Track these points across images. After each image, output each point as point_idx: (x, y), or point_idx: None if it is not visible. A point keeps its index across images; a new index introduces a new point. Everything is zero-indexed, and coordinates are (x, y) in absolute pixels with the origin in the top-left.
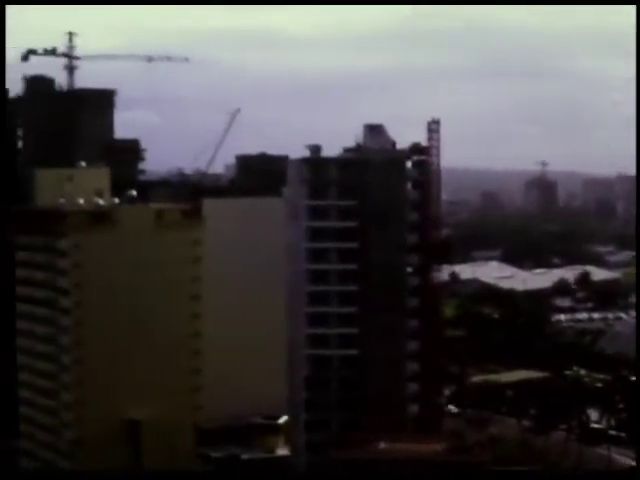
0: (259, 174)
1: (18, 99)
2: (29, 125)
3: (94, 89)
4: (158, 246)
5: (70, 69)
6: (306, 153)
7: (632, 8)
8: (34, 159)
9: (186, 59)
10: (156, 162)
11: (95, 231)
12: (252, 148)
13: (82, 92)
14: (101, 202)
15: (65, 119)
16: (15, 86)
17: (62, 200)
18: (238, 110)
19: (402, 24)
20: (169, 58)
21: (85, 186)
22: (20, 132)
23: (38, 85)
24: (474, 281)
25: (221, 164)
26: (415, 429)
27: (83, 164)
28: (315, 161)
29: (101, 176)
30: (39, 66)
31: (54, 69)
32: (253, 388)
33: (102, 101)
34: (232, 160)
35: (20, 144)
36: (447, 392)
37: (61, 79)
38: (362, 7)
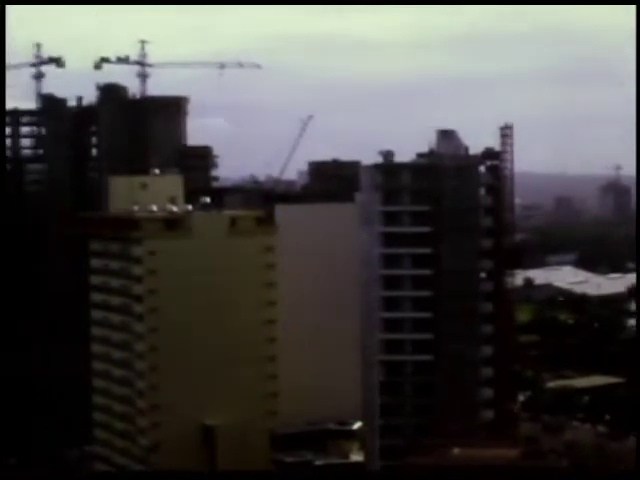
0: (332, 180)
1: (91, 107)
2: (102, 133)
3: (167, 96)
4: (232, 252)
5: (143, 77)
6: (379, 159)
7: (632, 8)
8: (108, 166)
9: (258, 66)
10: (229, 169)
11: (169, 238)
12: (325, 154)
13: (155, 99)
14: (174, 209)
15: (138, 126)
16: (88, 94)
17: (136, 207)
18: (311, 116)
19: (472, 27)
20: (241, 65)
21: (159, 193)
22: (94, 140)
23: (111, 93)
24: (548, 286)
25: (294, 170)
26: (489, 435)
27: (157, 171)
28: (388, 167)
29: (174, 183)
30: (112, 74)
31: (127, 77)
32: (327, 393)
33: (175, 108)
34: (305, 166)
35: (94, 151)
36: (521, 398)
37: (134, 87)
38: (432, 11)
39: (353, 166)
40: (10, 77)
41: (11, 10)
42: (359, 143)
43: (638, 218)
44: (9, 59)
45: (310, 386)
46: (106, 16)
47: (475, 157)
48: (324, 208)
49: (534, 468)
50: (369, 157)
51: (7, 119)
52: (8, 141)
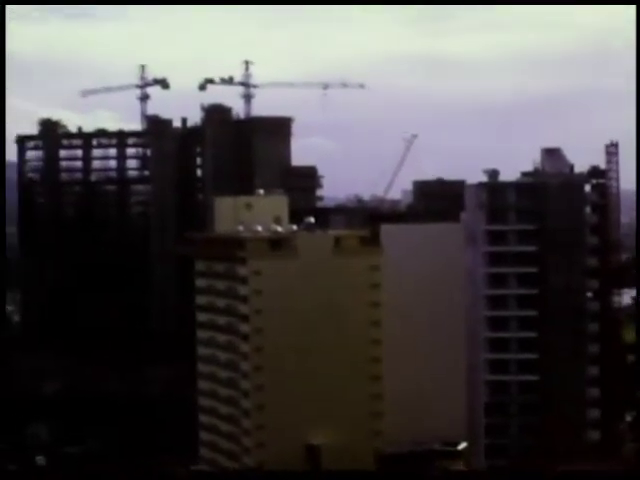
0: (437, 199)
1: (196, 128)
2: (207, 153)
3: (271, 117)
4: (336, 272)
5: (247, 97)
6: (484, 178)
7: (632, 8)
8: (213, 187)
9: (362, 85)
10: (333, 188)
11: (274, 258)
12: (429, 173)
13: (259, 120)
14: (279, 229)
15: (243, 147)
16: (193, 115)
17: (241, 227)
18: (415, 135)
19: (573, 46)
20: (345, 85)
21: (263, 213)
22: (199, 160)
23: (216, 113)
24: None
25: (398, 190)
26: (596, 455)
27: (261, 191)
28: (493, 186)
29: (279, 203)
30: (217, 94)
31: (231, 97)
32: (432, 413)
33: (279, 128)
34: (409, 185)
35: (199, 172)
36: (629, 418)
37: (238, 107)
38: (528, 30)
39: (458, 185)
40: (115, 99)
41: (114, 30)
42: (463, 162)
43: (638, 219)
44: (114, 81)
45: (415, 406)
46: (209, 36)
47: (580, 175)
48: (429, 227)
49: None
50: (473, 176)
51: (113, 141)
52: (113, 162)
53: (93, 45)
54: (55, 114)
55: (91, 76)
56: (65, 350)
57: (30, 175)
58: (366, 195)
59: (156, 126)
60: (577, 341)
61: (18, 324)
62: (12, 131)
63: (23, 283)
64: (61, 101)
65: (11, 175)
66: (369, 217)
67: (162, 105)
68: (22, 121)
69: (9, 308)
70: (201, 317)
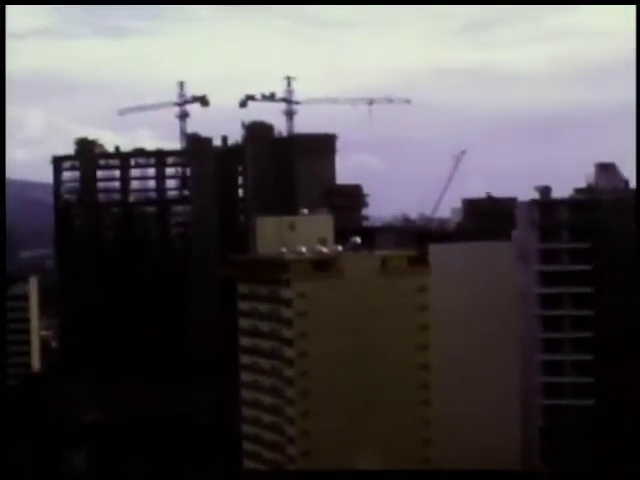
0: (486, 217)
1: (237, 146)
2: (249, 172)
3: (314, 134)
4: (384, 294)
5: (289, 114)
6: (535, 195)
7: (632, 8)
8: (255, 207)
9: (407, 101)
10: (379, 207)
11: (319, 279)
12: (479, 191)
13: (302, 137)
14: (324, 250)
15: (285, 165)
16: (234, 133)
17: (284, 248)
18: (463, 152)
19: (615, 56)
20: (390, 100)
21: (308, 234)
22: (240, 179)
23: (257, 131)
24: None
25: (447, 208)
26: None
27: (305, 211)
28: (545, 203)
29: (324, 223)
30: (258, 111)
31: (273, 114)
32: (484, 439)
33: (323, 146)
34: (458, 203)
35: (240, 192)
36: None
37: (280, 124)
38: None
39: (509, 202)
40: (154, 117)
41: (148, 45)
42: (513, 178)
43: (638, 220)
44: (153, 99)
45: (466, 432)
46: (249, 52)
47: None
48: (479, 247)
49: None
50: (524, 193)
51: (152, 160)
52: (152, 183)
53: (128, 61)
54: (92, 133)
55: (128, 94)
56: (105, 376)
57: (66, 196)
58: (413, 214)
59: (196, 145)
60: (634, 365)
61: (56, 349)
62: (50, 151)
63: (61, 307)
64: (97, 120)
65: (47, 197)
66: (417, 236)
67: (202, 123)
68: (58, 140)
69: (45, 333)
70: (244, 341)
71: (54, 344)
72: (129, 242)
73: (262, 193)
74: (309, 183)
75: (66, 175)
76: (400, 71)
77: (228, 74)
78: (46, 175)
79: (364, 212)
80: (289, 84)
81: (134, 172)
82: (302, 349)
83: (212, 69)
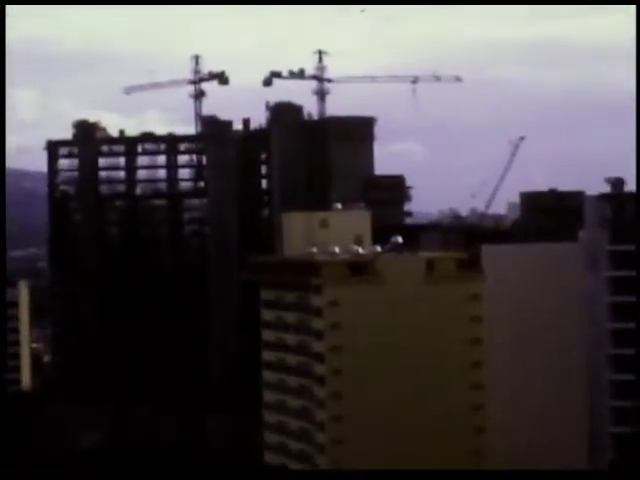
0: (549, 214)
1: (261, 131)
2: (274, 160)
3: (350, 117)
4: (429, 302)
5: (321, 94)
6: (606, 188)
7: (632, 8)
8: (281, 200)
9: (458, 79)
10: (425, 202)
11: (355, 285)
12: (540, 183)
13: (336, 121)
14: (361, 251)
15: (316, 153)
16: (257, 115)
17: (314, 249)
18: (522, 138)
19: None
20: (438, 78)
21: (342, 232)
22: (264, 169)
23: (284, 113)
24: None
25: (503, 203)
26: None
27: (339, 206)
28: (617, 197)
29: (360, 220)
30: (284, 91)
31: (302, 94)
32: (545, 466)
33: (360, 131)
34: (516, 198)
35: (264, 183)
36: None
37: (310, 106)
38: None
39: (575, 197)
40: (164, 97)
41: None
42: (580, 168)
43: (638, 220)
44: (163, 76)
45: (525, 460)
46: (273, 25)
47: None
48: (540, 248)
49: None
50: (594, 185)
51: (163, 146)
52: (163, 172)
53: (135, 32)
54: (93, 115)
55: (135, 70)
56: (106, 396)
57: (63, 188)
58: (464, 209)
59: (213, 129)
60: None
61: (49, 364)
62: (44, 135)
63: (55, 316)
64: (100, 100)
65: (40, 188)
66: (467, 236)
67: (220, 104)
68: (54, 123)
69: (37, 345)
70: (268, 356)
71: (47, 358)
72: (135, 241)
73: (289, 185)
74: (343, 173)
75: (63, 163)
76: (449, 45)
77: (250, 47)
78: (39, 163)
79: (407, 207)
80: (320, 59)
81: (141, 160)
82: (335, 366)
83: (231, 41)
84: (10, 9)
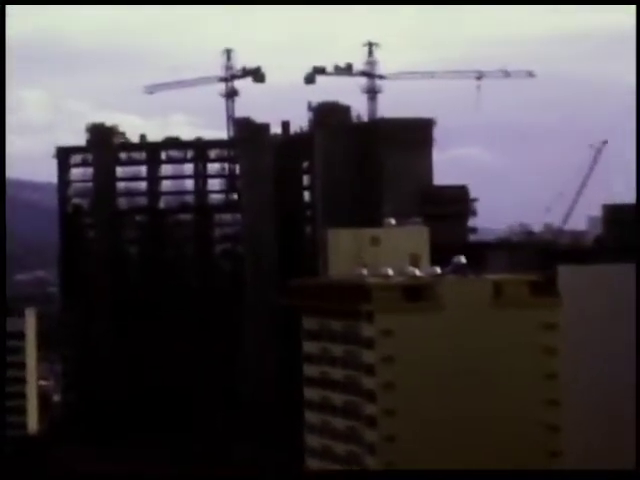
0: (636, 230)
1: (302, 135)
2: (318, 169)
3: (405, 118)
4: (497, 331)
5: (371, 92)
6: None
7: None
8: (325, 214)
9: (530, 74)
10: (492, 216)
11: (411, 312)
12: (626, 194)
13: (388, 123)
14: (418, 273)
15: (366, 160)
16: (298, 117)
17: (364, 270)
18: (605, 142)
19: None
20: (506, 73)
21: (396, 251)
22: (306, 179)
23: (329, 115)
24: None
25: (582, 217)
26: None
27: (392, 221)
28: None
29: (417, 237)
30: (330, 89)
31: (350, 93)
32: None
33: (416, 134)
34: (598, 211)
35: (306, 195)
36: None
37: (359, 106)
38: None
39: None
40: (192, 96)
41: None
42: None
43: (638, 219)
44: (190, 73)
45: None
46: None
47: None
48: (625, 270)
49: None
50: None
51: (190, 153)
52: (190, 183)
53: (157, 25)
54: (110, 118)
55: (158, 67)
56: (123, 442)
57: (75, 201)
58: (537, 225)
59: (248, 133)
60: None
61: (60, 405)
62: (54, 141)
63: (67, 349)
64: (118, 101)
65: (49, 201)
66: (542, 255)
67: (255, 104)
68: (65, 127)
69: (45, 383)
70: (310, 394)
71: (57, 398)
72: (158, 262)
73: (335, 197)
74: (397, 184)
75: (75, 173)
76: (517, 35)
77: (288, 40)
78: (48, 172)
79: (471, 222)
80: (371, 53)
81: (165, 169)
82: (388, 405)
83: (268, 34)
84: (10, 9)
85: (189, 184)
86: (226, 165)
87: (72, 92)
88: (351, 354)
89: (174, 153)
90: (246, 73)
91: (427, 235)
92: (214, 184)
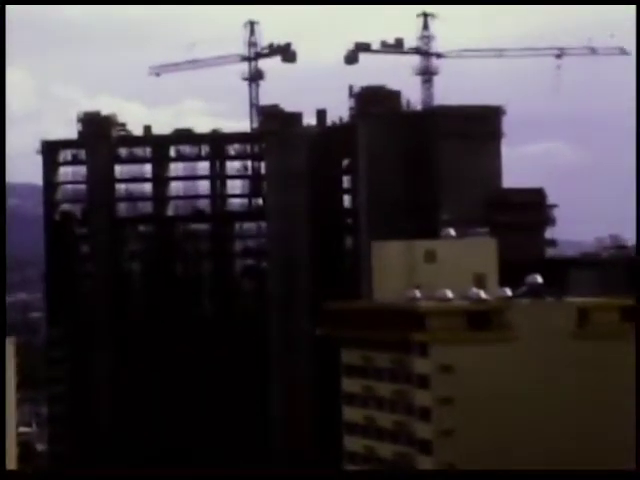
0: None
1: (342, 126)
2: (361, 167)
3: (467, 106)
4: (582, 365)
5: (426, 74)
6: None
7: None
8: (370, 223)
9: (623, 50)
10: (575, 225)
11: (475, 344)
12: None
13: (447, 111)
14: (483, 295)
15: (420, 157)
16: (337, 105)
17: (417, 292)
18: None
19: None
20: (593, 50)
21: (456, 268)
22: (346, 180)
23: (374, 102)
24: None
25: None
26: None
27: (451, 231)
28: None
29: (483, 251)
30: (375, 71)
31: (400, 75)
32: None
33: (481, 126)
34: None
35: (347, 199)
36: None
37: (412, 91)
38: None
39: None
40: (207, 79)
41: None
42: None
43: (638, 218)
44: (205, 52)
45: None
46: None
47: None
48: None
49: None
50: None
51: (205, 149)
52: (205, 185)
53: None
54: (108, 105)
55: (166, 43)
56: None
57: (65, 207)
58: (631, 237)
59: (276, 124)
60: None
61: (44, 455)
62: (39, 133)
63: (54, 388)
64: (118, 84)
65: (31, 206)
66: (637, 274)
67: (285, 89)
68: (53, 116)
69: (27, 430)
70: (351, 444)
71: (41, 447)
72: (166, 282)
73: (382, 201)
74: (458, 186)
75: (64, 172)
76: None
77: (327, 11)
78: (31, 172)
79: (549, 234)
80: (426, 26)
81: (175, 168)
82: (446, 458)
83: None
84: (10, 9)
85: (204, 186)
86: (249, 163)
87: (61, 74)
88: (401, 395)
89: (186, 149)
90: (273, 51)
91: (495, 249)
92: (234, 186)
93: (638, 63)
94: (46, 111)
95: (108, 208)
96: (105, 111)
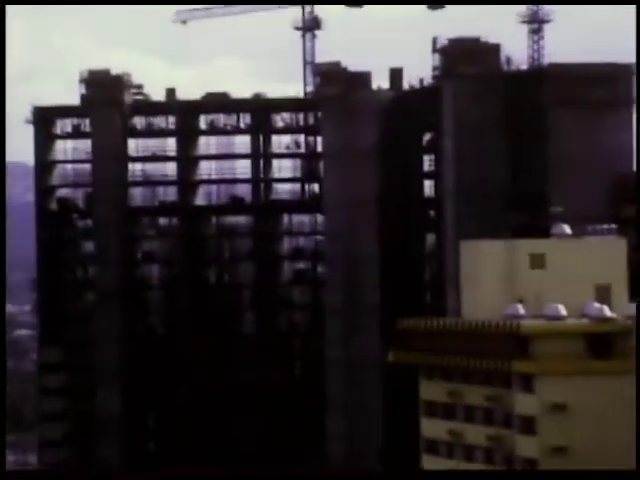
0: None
1: (424, 90)
2: (447, 143)
3: (586, 64)
4: None
5: (534, 22)
6: None
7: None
8: (458, 216)
9: None
10: None
11: (597, 376)
12: None
13: (560, 71)
14: (608, 312)
15: (524, 128)
16: (416, 63)
17: (521, 307)
18: None
19: None
20: None
21: (571, 276)
22: (428, 160)
23: (465, 60)
24: None
25: None
26: None
27: (565, 228)
28: None
29: (607, 254)
30: (465, 21)
31: (498, 25)
32: None
33: (605, 89)
34: None
35: (428, 185)
36: None
37: (515, 44)
38: None
39: None
40: (246, 32)
41: None
42: None
43: (638, 218)
44: None
45: None
46: None
47: None
48: None
49: None
50: None
51: (243, 119)
52: (244, 166)
53: None
54: (119, 62)
55: None
56: None
57: (64, 193)
58: None
59: (337, 87)
60: None
61: None
62: (30, 97)
63: (48, 427)
64: (132, 35)
65: (20, 191)
66: None
67: (347, 43)
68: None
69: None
70: None
71: None
72: (195, 292)
73: (473, 188)
74: (574, 168)
75: (63, 148)
76: None
77: None
78: (19, 147)
79: None
80: None
81: (205, 143)
82: None
83: None
84: (10, 9)
85: (243, 168)
86: (301, 138)
87: (62, 23)
88: (498, 442)
89: (220, 119)
90: None
91: (624, 252)
92: (283, 168)
93: (638, 63)
94: (41, 69)
95: (119, 195)
96: (116, 69)
